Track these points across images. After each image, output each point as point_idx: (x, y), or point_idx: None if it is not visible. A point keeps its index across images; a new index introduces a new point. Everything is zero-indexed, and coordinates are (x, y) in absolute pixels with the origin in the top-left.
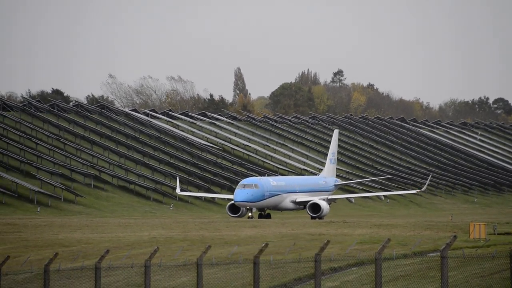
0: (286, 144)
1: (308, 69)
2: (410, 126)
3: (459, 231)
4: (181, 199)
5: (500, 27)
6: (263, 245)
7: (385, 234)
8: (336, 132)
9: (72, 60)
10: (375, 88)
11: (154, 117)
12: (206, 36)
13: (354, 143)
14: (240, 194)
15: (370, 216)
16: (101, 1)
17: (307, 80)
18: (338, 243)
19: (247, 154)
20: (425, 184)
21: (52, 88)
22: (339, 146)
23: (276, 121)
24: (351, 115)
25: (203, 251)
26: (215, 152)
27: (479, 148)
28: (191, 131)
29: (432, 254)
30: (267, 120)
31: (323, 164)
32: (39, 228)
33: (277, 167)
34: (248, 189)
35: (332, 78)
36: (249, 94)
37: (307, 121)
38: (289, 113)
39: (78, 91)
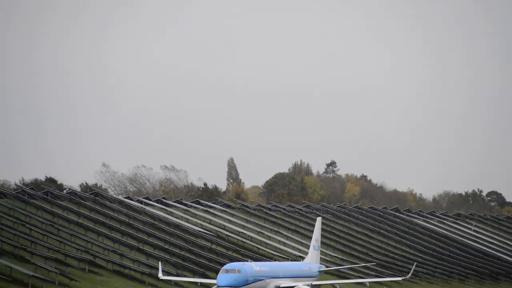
0: (281, 232)
1: (301, 160)
2: (404, 216)
3: None
4: (176, 283)
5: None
6: None
7: None
8: (319, 220)
9: (66, 148)
10: (368, 179)
11: (148, 205)
12: (199, 126)
13: (349, 231)
14: (223, 279)
15: None
16: (94, 87)
17: (300, 171)
18: None
19: (242, 241)
20: (410, 272)
21: (46, 176)
22: (334, 234)
23: (270, 209)
24: (345, 204)
25: None
26: (210, 238)
27: (474, 239)
28: (185, 218)
29: None
30: (261, 208)
31: (320, 251)
32: None
33: (272, 253)
34: (231, 274)
35: (325, 169)
36: (243, 183)
37: (301, 210)
38: (283, 202)
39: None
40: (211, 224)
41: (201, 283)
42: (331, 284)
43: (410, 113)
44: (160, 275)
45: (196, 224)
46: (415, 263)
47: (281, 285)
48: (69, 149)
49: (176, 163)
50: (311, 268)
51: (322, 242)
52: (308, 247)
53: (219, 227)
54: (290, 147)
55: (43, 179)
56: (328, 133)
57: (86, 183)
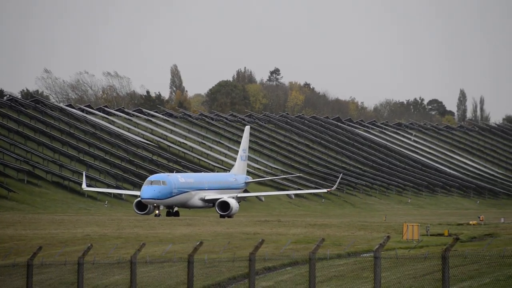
0: (222, 142)
1: (244, 67)
2: (345, 126)
3: (392, 232)
4: (116, 196)
5: (438, 28)
6: (198, 243)
7: (319, 234)
8: (247, 129)
9: (7, 53)
10: (311, 87)
11: (90, 113)
12: (143, 32)
13: (290, 142)
14: (147, 191)
15: (305, 215)
16: None
17: (243, 78)
18: (273, 243)
19: (183, 152)
20: (336, 183)
21: None
22: (275, 144)
23: (212, 119)
24: (287, 113)
25: (137, 249)
26: (151, 149)
27: (413, 149)
28: (126, 127)
29: (365, 255)
30: (203, 117)
31: (259, 162)
32: None
33: (213, 165)
34: (155, 185)
35: (269, 77)
36: (186, 91)
37: (244, 119)
38: (226, 111)
39: (13, 85)
40: (152, 134)
41: (125, 195)
42: (256, 196)
43: (358, 15)
44: (84, 186)
45: (137, 134)
46: (341, 174)
47: (206, 197)
48: (9, 54)
49: (119, 69)
50: (238, 179)
51: (263, 153)
52: (249, 158)
53: (160, 137)
54: (234, 54)
55: None
56: (271, 39)
57: (27, 90)
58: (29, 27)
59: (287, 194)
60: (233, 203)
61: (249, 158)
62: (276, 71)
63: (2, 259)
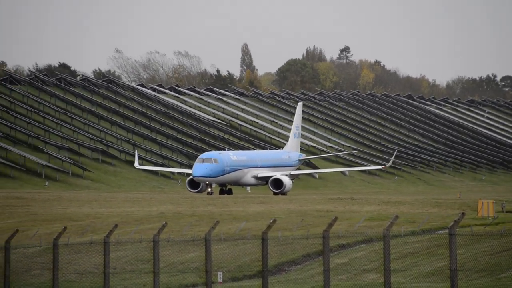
0: (293, 120)
1: (314, 45)
2: (417, 103)
3: (467, 209)
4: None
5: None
6: (271, 221)
7: (393, 211)
8: (299, 105)
9: (80, 34)
10: (382, 65)
11: (161, 92)
12: (213, 12)
13: (361, 120)
14: (199, 168)
15: (378, 193)
16: None
17: (313, 57)
18: (346, 220)
19: (254, 130)
20: (390, 160)
21: (59, 62)
22: (346, 122)
23: (283, 97)
24: (358, 91)
25: (211, 226)
26: (222, 128)
27: (487, 126)
28: (198, 106)
29: (440, 232)
30: (274, 96)
31: (330, 140)
32: (47, 202)
33: (283, 143)
34: (207, 163)
35: (339, 55)
36: (256, 70)
37: (314, 98)
38: (296, 89)
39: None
40: (224, 113)
41: (177, 172)
42: (309, 173)
43: None
44: (136, 164)
45: (209, 113)
46: (396, 150)
47: (258, 175)
48: (82, 34)
49: (189, 48)
50: (291, 157)
51: (334, 132)
52: (320, 136)
53: (231, 116)
54: (304, 32)
55: (56, 65)
56: (341, 17)
57: (99, 70)
58: (100, 7)
59: (341, 171)
60: (286, 180)
61: (320, 136)
62: (346, 49)
63: (80, 236)
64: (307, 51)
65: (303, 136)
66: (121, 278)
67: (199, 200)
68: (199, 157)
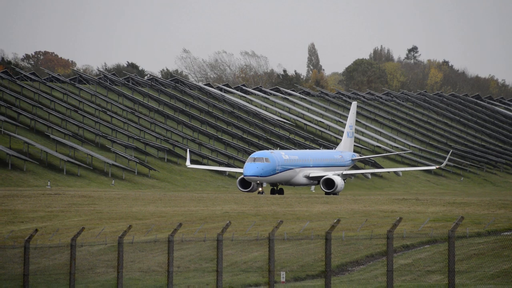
0: (359, 121)
1: (381, 45)
2: (485, 104)
3: None
4: (231, 174)
5: None
6: (335, 221)
7: (458, 212)
8: (354, 104)
9: (148, 34)
10: (450, 65)
11: (228, 92)
12: (281, 12)
13: (428, 120)
14: (250, 168)
15: (444, 194)
16: None
17: (380, 57)
18: (411, 221)
19: (320, 130)
20: (445, 160)
21: (128, 62)
22: (413, 122)
23: (349, 97)
24: (425, 91)
25: (275, 226)
26: (288, 128)
27: None
28: (264, 106)
29: (506, 233)
30: (340, 96)
31: (396, 141)
32: (113, 200)
33: None
34: (258, 162)
35: (407, 55)
36: (323, 69)
37: (381, 98)
38: (363, 89)
39: (153, 65)
40: (289, 112)
41: (228, 172)
42: (362, 173)
43: None
44: (188, 163)
45: (274, 113)
46: (451, 150)
47: (310, 175)
48: (151, 34)
49: (256, 48)
50: (344, 156)
51: (400, 132)
52: (386, 136)
53: (297, 116)
54: (371, 32)
55: (125, 64)
56: (408, 17)
57: (167, 69)
58: (169, 8)
59: (395, 172)
60: (338, 180)
61: (386, 136)
62: (414, 49)
63: (144, 235)
64: (374, 51)
65: (368, 136)
66: (184, 277)
67: (263, 199)
68: (250, 156)
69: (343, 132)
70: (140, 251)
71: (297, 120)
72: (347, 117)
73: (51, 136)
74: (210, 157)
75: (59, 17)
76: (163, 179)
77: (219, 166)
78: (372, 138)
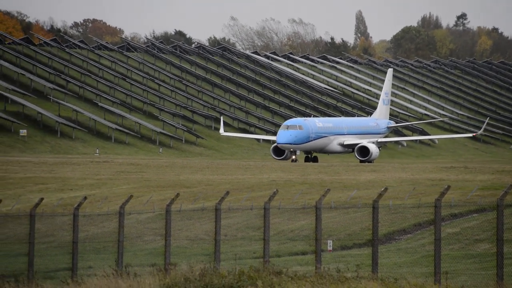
0: (407, 89)
1: (429, 12)
2: None
3: None
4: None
5: None
6: (382, 189)
7: (507, 180)
8: (390, 71)
9: (196, 2)
10: (500, 32)
11: (275, 60)
12: None
13: (477, 88)
14: (283, 135)
15: (493, 161)
16: None
17: (429, 24)
18: (459, 189)
19: (368, 98)
20: (482, 127)
21: (175, 30)
22: (461, 90)
23: (397, 65)
24: (474, 59)
25: (322, 194)
26: (335, 96)
27: None
28: (311, 74)
29: None
30: (388, 64)
31: (445, 109)
32: (161, 168)
33: (397, 111)
34: (292, 130)
35: (455, 22)
36: (371, 37)
37: (429, 65)
38: (411, 57)
39: (201, 33)
40: (337, 81)
41: (262, 139)
42: (396, 141)
43: None
44: (222, 131)
45: (322, 81)
46: (488, 118)
47: (345, 142)
48: (198, 2)
49: (304, 16)
50: (379, 124)
51: (449, 100)
52: (434, 104)
53: (345, 84)
54: None
55: (172, 32)
56: None
57: (214, 37)
58: None
59: (430, 139)
60: (373, 148)
61: (434, 105)
62: (463, 16)
63: (192, 203)
64: (422, 18)
65: (416, 104)
66: (231, 245)
67: (310, 168)
68: (283, 123)
69: (390, 100)
70: (188, 219)
71: (344, 88)
72: (395, 85)
73: (100, 104)
74: (257, 125)
75: None
76: (211, 147)
77: (266, 134)
78: (420, 106)
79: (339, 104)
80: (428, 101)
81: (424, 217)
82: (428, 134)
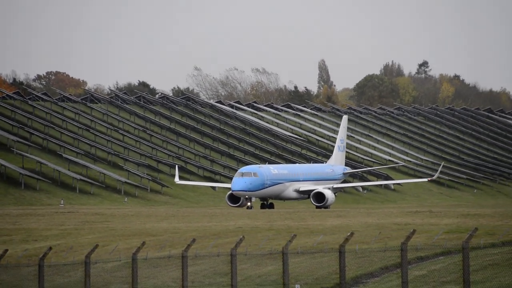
0: (371, 135)
1: (392, 61)
2: (497, 117)
3: None
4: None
5: None
6: (349, 234)
7: (472, 223)
8: (345, 118)
9: (159, 53)
10: (461, 79)
11: (239, 109)
12: (290, 29)
13: (440, 134)
14: (238, 182)
15: (457, 206)
16: None
17: (391, 72)
18: (425, 233)
19: (332, 145)
20: (437, 172)
21: (139, 81)
22: (425, 136)
23: (361, 113)
24: (437, 106)
25: (289, 240)
26: (300, 144)
27: None
28: (275, 122)
29: None
30: (352, 111)
31: (409, 155)
32: (126, 217)
33: (362, 158)
34: (246, 177)
35: (417, 69)
36: (334, 85)
37: (392, 112)
38: (374, 104)
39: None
40: (301, 128)
41: (217, 187)
42: (352, 186)
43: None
44: (177, 179)
45: (286, 129)
46: (443, 162)
47: (300, 189)
48: (161, 53)
49: (267, 65)
50: (335, 170)
51: (412, 146)
52: (399, 151)
53: (309, 132)
54: (381, 48)
55: (136, 83)
56: (416, 32)
57: (178, 87)
58: (178, 26)
59: (385, 185)
60: (329, 194)
61: (398, 150)
62: (424, 64)
63: (158, 251)
64: (385, 66)
65: (380, 151)
66: None
67: (276, 214)
68: (238, 170)
69: (355, 146)
70: (154, 267)
71: (309, 135)
72: (358, 131)
73: (64, 155)
74: (222, 173)
75: (70, 37)
76: (176, 195)
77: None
78: (384, 152)
79: (303, 151)
80: (392, 147)
81: (391, 260)
82: (392, 179)
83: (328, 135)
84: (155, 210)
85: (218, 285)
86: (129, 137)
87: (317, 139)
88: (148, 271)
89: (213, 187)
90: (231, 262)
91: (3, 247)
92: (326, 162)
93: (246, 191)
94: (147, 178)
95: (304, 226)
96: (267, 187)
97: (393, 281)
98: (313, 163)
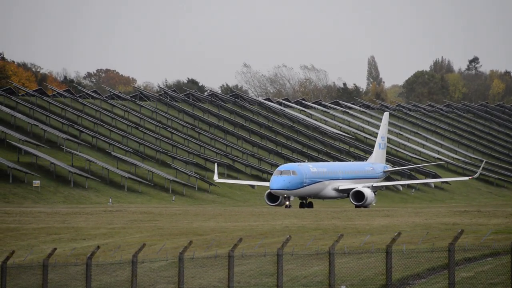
0: (420, 133)
1: (442, 57)
2: None
3: None
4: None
5: None
6: (396, 234)
7: None
8: (386, 115)
9: (209, 50)
10: None
11: (287, 106)
12: (339, 25)
13: (490, 131)
14: (276, 181)
15: (506, 205)
16: None
17: (441, 68)
18: (473, 233)
19: None
20: (478, 171)
21: (188, 78)
22: (474, 134)
23: (410, 110)
24: (487, 103)
25: (335, 240)
26: (348, 141)
27: None
28: (323, 120)
29: None
30: (400, 108)
31: (457, 153)
32: (174, 216)
33: (410, 156)
34: (285, 176)
35: (468, 66)
36: (383, 82)
37: (442, 109)
38: (423, 101)
39: (213, 81)
40: (349, 126)
41: (256, 186)
42: (393, 185)
43: None
44: (216, 177)
45: (334, 126)
46: (484, 160)
47: (339, 187)
48: (211, 50)
49: (316, 62)
50: (375, 168)
51: (461, 143)
52: (447, 148)
53: (357, 129)
54: (431, 44)
55: (185, 80)
56: (469, 27)
57: (227, 85)
58: (229, 24)
59: (427, 183)
60: (368, 192)
61: (447, 149)
62: (475, 60)
63: (205, 250)
64: (434, 62)
65: (429, 148)
66: None
67: (323, 213)
68: (277, 169)
69: (403, 144)
70: (201, 267)
71: (357, 133)
72: (407, 129)
73: (112, 153)
74: (270, 172)
75: (121, 36)
76: (224, 194)
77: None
78: (433, 150)
79: (351, 149)
80: (441, 145)
81: (438, 261)
82: (440, 177)
83: (376, 133)
84: (203, 209)
85: (264, 285)
86: (178, 135)
87: (365, 137)
88: (194, 271)
89: (252, 186)
90: (277, 262)
91: (52, 246)
92: (366, 160)
93: (284, 189)
94: (195, 177)
95: (351, 226)
96: (306, 186)
97: (440, 282)
98: (354, 161)
